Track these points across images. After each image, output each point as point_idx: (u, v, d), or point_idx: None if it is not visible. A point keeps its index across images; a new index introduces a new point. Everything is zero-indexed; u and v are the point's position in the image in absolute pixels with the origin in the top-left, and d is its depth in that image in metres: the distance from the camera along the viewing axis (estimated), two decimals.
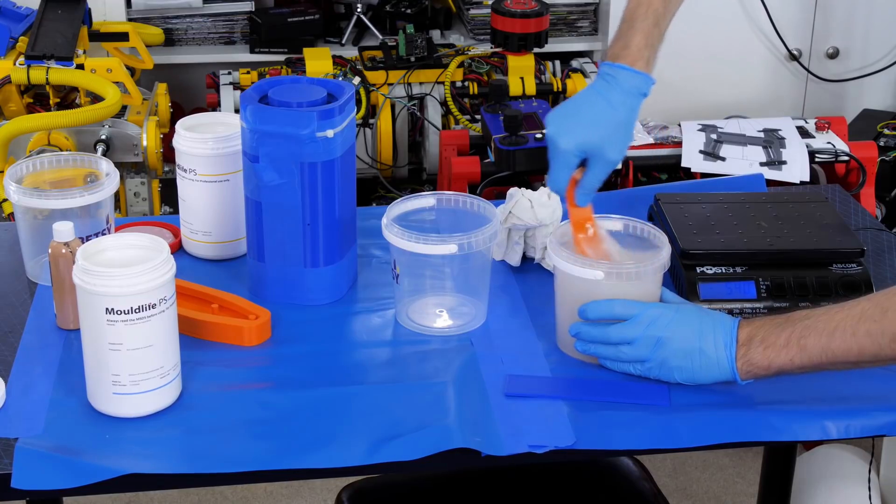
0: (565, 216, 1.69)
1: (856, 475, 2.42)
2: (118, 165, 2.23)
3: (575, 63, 3.28)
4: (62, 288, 1.57)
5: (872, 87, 3.49)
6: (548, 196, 1.72)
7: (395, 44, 3.13)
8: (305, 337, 1.61)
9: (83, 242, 1.49)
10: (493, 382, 1.51)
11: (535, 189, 1.74)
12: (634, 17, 1.60)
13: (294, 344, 1.59)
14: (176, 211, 1.84)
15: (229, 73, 3.13)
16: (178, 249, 1.81)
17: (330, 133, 1.58)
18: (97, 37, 3.03)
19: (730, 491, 2.89)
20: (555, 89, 3.16)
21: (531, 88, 3.11)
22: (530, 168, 2.62)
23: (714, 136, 2.82)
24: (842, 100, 3.50)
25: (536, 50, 3.13)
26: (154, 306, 1.39)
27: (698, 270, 1.66)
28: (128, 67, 2.94)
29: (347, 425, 1.43)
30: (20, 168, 1.70)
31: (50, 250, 1.55)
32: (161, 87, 3.01)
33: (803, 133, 2.86)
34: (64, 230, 1.54)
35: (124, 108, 2.85)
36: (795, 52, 3.44)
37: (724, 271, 1.66)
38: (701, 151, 2.77)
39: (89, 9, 2.94)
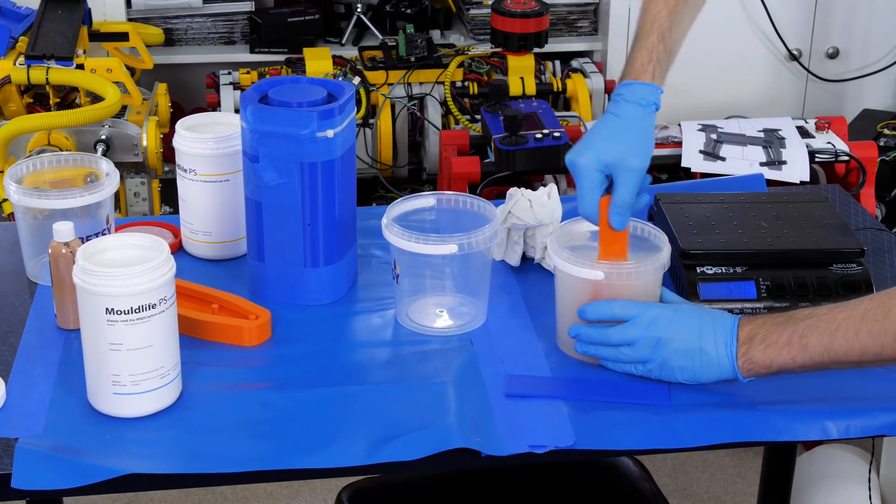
0: (565, 216, 1.69)
1: (856, 475, 2.42)
2: (118, 165, 2.23)
3: (575, 63, 3.28)
4: (62, 288, 1.57)
5: (872, 87, 3.49)
6: (547, 196, 1.72)
7: (395, 44, 3.13)
8: (305, 337, 1.61)
9: (83, 242, 1.49)
10: (493, 382, 1.51)
11: (534, 189, 1.74)
12: (640, 35, 1.62)
13: (294, 344, 1.59)
14: (176, 211, 1.84)
15: (229, 73, 3.13)
16: (178, 249, 1.81)
17: (330, 133, 1.58)
18: (97, 37, 3.03)
19: (730, 491, 2.89)
20: (555, 89, 3.16)
21: (531, 88, 3.11)
22: (530, 168, 2.62)
23: (714, 136, 2.82)
24: (842, 100, 3.50)
25: (536, 50, 3.13)
26: (154, 306, 1.39)
27: (698, 270, 1.66)
28: (128, 67, 2.94)
29: (347, 425, 1.43)
30: (20, 168, 1.70)
31: (50, 250, 1.55)
32: (161, 87, 3.01)
33: (803, 133, 2.86)
34: (64, 230, 1.54)
35: (124, 108, 2.85)
36: (795, 52, 3.45)
37: (724, 271, 1.66)
38: (701, 151, 2.77)
39: (89, 9, 2.95)
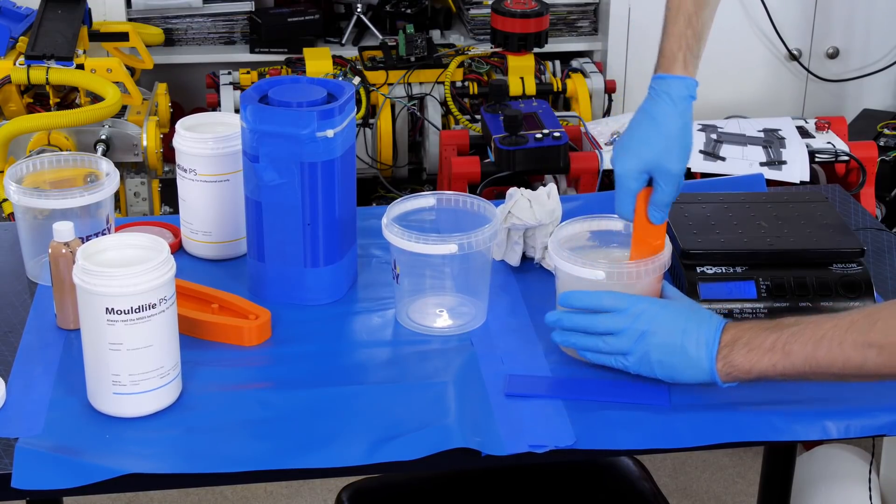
0: (565, 216, 1.69)
1: (856, 475, 2.42)
2: (118, 165, 2.23)
3: (575, 63, 3.28)
4: (62, 288, 1.57)
5: (872, 87, 3.49)
6: (547, 196, 1.72)
7: (395, 44, 3.13)
8: (305, 337, 1.61)
9: (83, 242, 1.49)
10: (493, 382, 1.51)
11: (534, 189, 1.74)
12: (667, 22, 1.60)
13: (294, 344, 1.59)
14: (176, 211, 1.84)
15: (229, 73, 3.13)
16: (178, 249, 1.81)
17: (330, 133, 1.58)
18: (97, 37, 3.04)
19: (730, 491, 2.89)
20: (555, 89, 3.16)
21: (531, 88, 3.11)
22: (530, 168, 2.62)
23: (714, 136, 2.82)
24: (842, 100, 3.50)
25: (536, 50, 3.13)
26: (154, 306, 1.39)
27: (698, 270, 1.66)
28: (128, 67, 2.94)
29: (347, 425, 1.43)
30: (20, 168, 1.70)
31: (50, 250, 1.55)
32: (161, 87, 3.01)
33: (803, 133, 2.86)
34: (64, 230, 1.54)
35: (124, 108, 2.85)
36: (795, 52, 3.45)
37: (724, 271, 1.66)
38: (701, 151, 2.77)
39: (89, 9, 2.95)
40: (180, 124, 1.75)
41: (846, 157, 2.78)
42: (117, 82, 2.76)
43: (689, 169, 2.73)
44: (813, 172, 2.76)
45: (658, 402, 1.47)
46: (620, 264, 1.52)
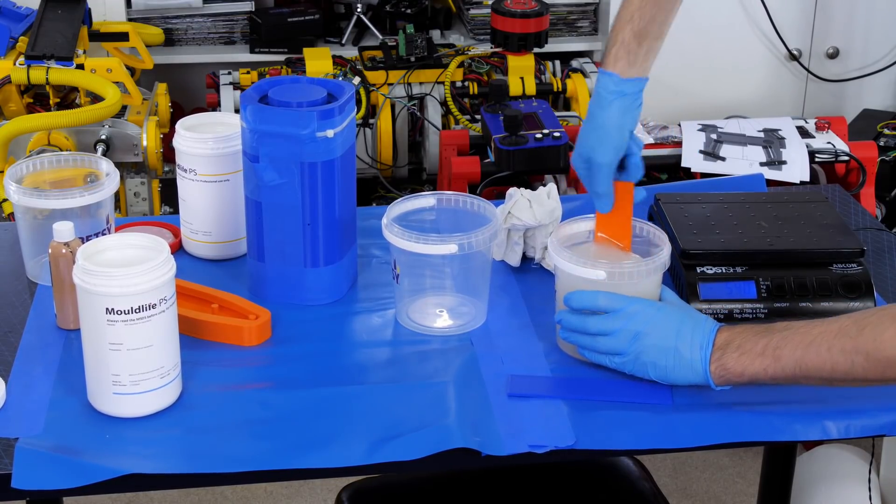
0: (565, 216, 1.69)
1: (856, 475, 2.42)
2: (118, 165, 2.23)
3: (575, 63, 3.28)
4: (62, 288, 1.57)
5: (872, 87, 3.49)
6: (547, 196, 1.72)
7: (395, 44, 3.13)
8: (305, 337, 1.61)
9: (83, 242, 1.49)
10: (493, 382, 1.51)
11: (534, 189, 1.74)
12: (615, 21, 1.63)
13: (294, 344, 1.59)
14: (176, 211, 1.84)
15: (229, 73, 3.13)
16: (178, 249, 1.81)
17: (330, 133, 1.58)
18: (97, 37, 3.03)
19: (730, 491, 2.89)
20: (555, 89, 3.16)
21: (531, 88, 3.11)
22: (530, 168, 2.62)
23: (714, 136, 2.82)
24: (842, 100, 3.50)
25: (536, 50, 3.13)
26: (154, 306, 1.39)
27: (698, 270, 1.66)
28: (128, 67, 2.94)
29: (347, 425, 1.43)
30: (20, 168, 1.70)
31: (50, 250, 1.55)
32: (161, 87, 3.01)
33: (803, 133, 2.86)
34: (64, 230, 1.54)
35: (124, 108, 2.85)
36: (795, 52, 3.45)
37: (724, 271, 1.66)
38: (701, 151, 2.77)
39: (89, 9, 2.94)
40: (180, 124, 1.75)
41: (846, 157, 2.78)
42: (117, 82, 2.76)
43: (688, 169, 2.76)
44: (813, 172, 2.76)
45: (661, 402, 1.47)
46: (620, 264, 1.52)
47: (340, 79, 2.90)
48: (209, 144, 1.72)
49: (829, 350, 1.37)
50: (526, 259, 1.77)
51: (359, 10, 3.38)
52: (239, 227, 1.75)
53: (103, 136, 2.71)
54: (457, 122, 3.07)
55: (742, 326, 1.45)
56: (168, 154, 2.66)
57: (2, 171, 2.56)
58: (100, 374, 1.42)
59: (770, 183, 2.24)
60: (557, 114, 2.91)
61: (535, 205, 1.71)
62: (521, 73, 3.11)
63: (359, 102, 2.99)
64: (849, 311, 1.44)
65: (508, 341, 1.60)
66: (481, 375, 1.52)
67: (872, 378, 1.36)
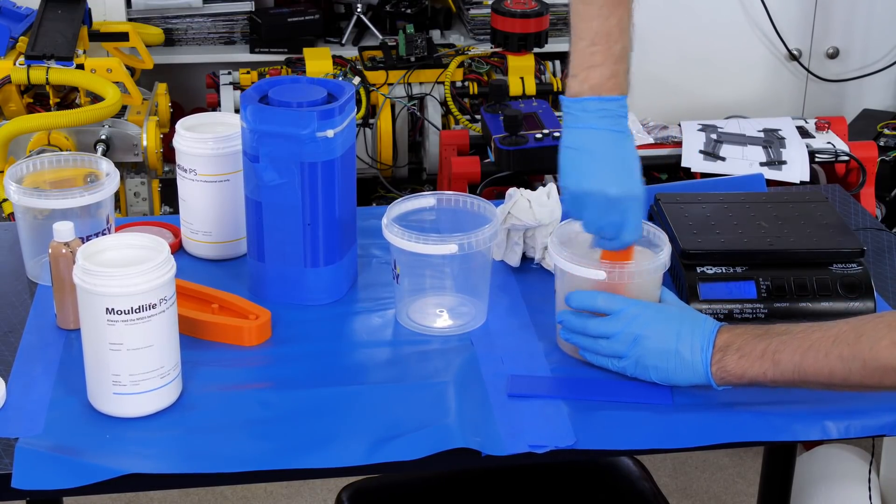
0: (565, 216, 1.69)
1: (856, 475, 2.42)
2: (118, 165, 2.23)
3: None
4: (62, 288, 1.57)
5: (872, 87, 3.49)
6: (547, 196, 1.72)
7: (395, 44, 3.13)
8: (305, 337, 1.61)
9: (83, 242, 1.49)
10: (493, 382, 1.51)
11: (534, 189, 1.74)
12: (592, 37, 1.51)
13: (294, 344, 1.59)
14: (176, 211, 1.84)
15: (229, 73, 3.13)
16: (178, 249, 1.81)
17: (330, 133, 1.58)
18: (97, 37, 3.03)
19: (730, 491, 2.89)
20: (555, 89, 3.16)
21: (531, 88, 3.11)
22: (530, 168, 2.62)
23: (714, 136, 2.82)
24: (842, 100, 3.50)
25: (536, 50, 3.13)
26: (154, 306, 1.39)
27: (698, 270, 1.66)
28: (128, 67, 2.94)
29: (347, 425, 1.43)
30: (20, 168, 1.70)
31: (50, 250, 1.55)
32: (161, 87, 3.01)
33: (803, 133, 2.86)
34: (64, 230, 1.54)
35: (124, 108, 2.85)
36: (795, 52, 3.44)
37: (724, 271, 1.66)
38: (701, 151, 2.77)
39: (89, 9, 2.95)
40: (180, 124, 1.75)
41: (846, 157, 2.78)
42: (117, 82, 2.76)
43: (688, 169, 2.75)
44: (813, 172, 2.76)
45: (661, 402, 1.47)
46: (620, 264, 1.52)
47: (340, 79, 2.90)
48: (209, 144, 1.72)
49: (827, 356, 1.37)
50: (526, 259, 1.77)
51: (359, 10, 3.39)
52: (239, 227, 1.75)
53: (103, 136, 2.71)
54: (457, 122, 3.07)
55: (742, 328, 1.45)
56: (168, 154, 2.66)
57: (2, 171, 2.56)
58: (100, 374, 1.42)
59: (770, 183, 2.24)
60: (557, 114, 2.91)
61: (535, 205, 1.71)
62: (521, 73, 3.11)
63: (359, 102, 2.99)
64: (849, 311, 1.44)
65: (508, 341, 1.60)
66: (481, 375, 1.52)
67: (869, 385, 1.37)
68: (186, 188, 1.76)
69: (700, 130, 2.84)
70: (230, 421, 1.44)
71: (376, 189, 3.24)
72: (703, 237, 1.70)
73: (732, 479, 2.92)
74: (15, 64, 2.73)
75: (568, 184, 1.50)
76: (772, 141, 2.80)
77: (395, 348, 1.60)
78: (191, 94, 3.49)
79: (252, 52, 3.33)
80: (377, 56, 3.14)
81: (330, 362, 1.56)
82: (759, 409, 1.45)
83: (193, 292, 1.65)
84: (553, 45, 3.29)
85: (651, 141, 2.85)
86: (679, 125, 2.89)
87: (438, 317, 1.64)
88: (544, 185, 1.74)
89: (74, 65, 2.73)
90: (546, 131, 2.62)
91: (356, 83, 2.99)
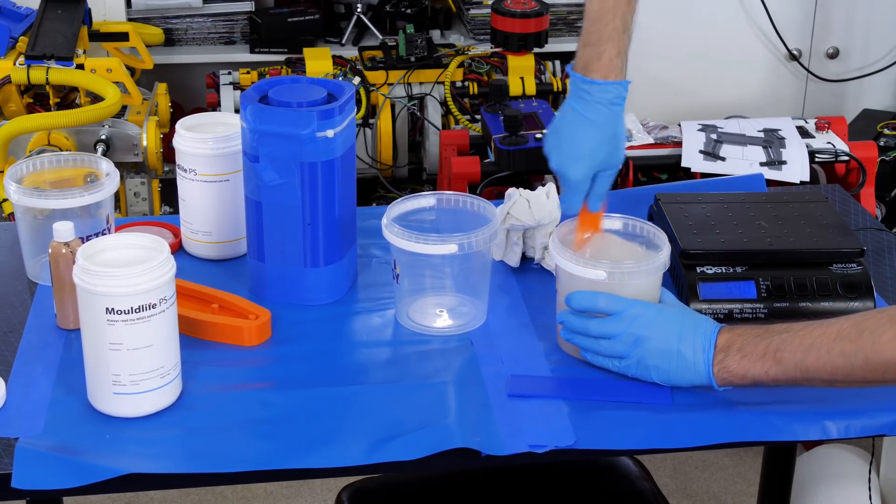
0: (564, 216, 1.69)
1: (856, 475, 2.42)
2: (118, 165, 2.22)
3: None
4: (62, 288, 1.57)
5: (872, 87, 3.49)
6: (546, 196, 1.72)
7: (395, 44, 3.13)
8: (305, 337, 1.61)
9: (83, 242, 1.49)
10: (493, 382, 1.51)
11: (534, 189, 1.74)
12: (601, 19, 1.59)
13: (294, 344, 1.59)
14: (176, 211, 1.84)
15: (229, 73, 3.13)
16: (178, 249, 1.81)
17: (330, 133, 1.58)
18: (97, 37, 3.04)
19: (730, 491, 2.89)
20: (555, 89, 3.16)
21: (531, 88, 3.11)
22: (530, 168, 2.62)
23: (714, 136, 2.82)
24: (842, 100, 3.50)
25: (536, 50, 3.13)
26: (154, 306, 1.39)
27: (698, 270, 1.66)
28: (128, 67, 2.94)
29: (347, 425, 1.43)
30: (20, 168, 1.70)
31: (50, 250, 1.55)
32: (161, 87, 3.01)
33: (803, 133, 2.86)
34: (64, 230, 1.54)
35: (124, 108, 2.85)
36: (795, 52, 3.44)
37: (724, 271, 1.66)
38: (701, 151, 2.77)
39: (89, 9, 2.95)
40: (180, 124, 1.75)
41: (846, 157, 2.78)
42: (117, 82, 2.76)
43: (688, 169, 2.75)
44: (813, 172, 2.76)
45: (661, 402, 1.47)
46: (621, 264, 1.52)
47: (340, 79, 2.90)
48: (209, 144, 1.72)
49: (829, 353, 1.37)
50: (526, 259, 1.77)
51: (359, 10, 3.39)
52: (239, 227, 1.75)
53: (103, 136, 2.71)
54: (457, 122, 3.07)
55: (742, 328, 1.45)
56: (168, 154, 2.66)
57: (2, 171, 2.56)
58: (100, 374, 1.42)
59: (770, 183, 2.24)
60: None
61: (534, 205, 1.71)
62: (521, 73, 3.11)
63: (359, 102, 2.99)
64: (849, 311, 1.44)
65: (508, 341, 1.60)
66: (481, 375, 1.52)
67: (872, 380, 1.37)
68: (186, 188, 1.76)
69: (700, 130, 2.84)
70: (230, 421, 1.44)
71: (376, 189, 3.24)
72: (703, 237, 1.70)
73: (732, 479, 2.92)
74: (15, 64, 2.73)
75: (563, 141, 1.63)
76: (772, 141, 2.80)
77: (395, 348, 1.60)
78: (191, 94, 3.49)
79: (252, 52, 3.33)
80: (377, 56, 3.14)
81: (330, 362, 1.56)
82: (759, 409, 1.45)
83: (193, 292, 1.65)
84: (553, 45, 3.30)
85: (651, 141, 2.85)
86: (679, 125, 2.89)
87: (438, 317, 1.64)
88: (544, 186, 1.74)
89: (74, 65, 2.73)
90: (546, 131, 2.62)
91: (356, 83, 2.99)
